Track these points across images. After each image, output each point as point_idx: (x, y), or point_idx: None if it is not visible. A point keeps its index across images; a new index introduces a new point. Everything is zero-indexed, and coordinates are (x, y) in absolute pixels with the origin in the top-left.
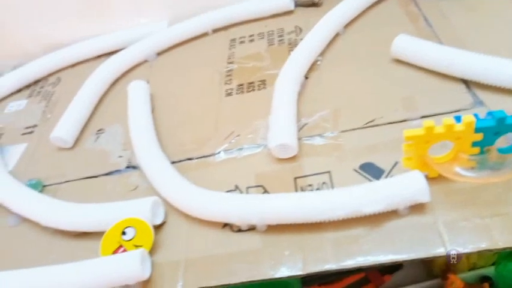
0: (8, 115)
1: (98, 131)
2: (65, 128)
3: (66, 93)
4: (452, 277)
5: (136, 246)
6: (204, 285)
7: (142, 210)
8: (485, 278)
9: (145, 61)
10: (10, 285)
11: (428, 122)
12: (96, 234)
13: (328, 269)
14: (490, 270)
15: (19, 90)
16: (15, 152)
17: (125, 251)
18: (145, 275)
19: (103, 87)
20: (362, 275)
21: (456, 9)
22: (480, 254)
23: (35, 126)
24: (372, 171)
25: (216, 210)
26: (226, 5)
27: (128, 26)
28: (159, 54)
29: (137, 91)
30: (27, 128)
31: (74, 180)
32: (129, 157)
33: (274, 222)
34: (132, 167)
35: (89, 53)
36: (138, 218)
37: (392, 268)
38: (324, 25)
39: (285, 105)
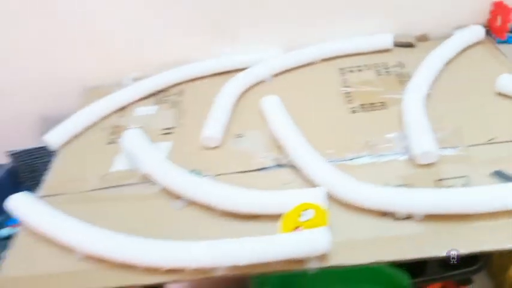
0: (140, 117)
1: (237, 135)
2: (214, 129)
3: (193, 103)
4: None
5: (313, 227)
6: (378, 259)
7: (317, 197)
8: None
9: (263, 81)
10: (207, 254)
11: None
12: (264, 217)
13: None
14: None
15: (144, 98)
16: (163, 148)
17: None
18: (328, 248)
19: (234, 98)
20: (439, 285)
21: None
22: None
23: (172, 128)
24: (505, 177)
25: (380, 200)
26: (334, 39)
27: (246, 51)
28: (274, 76)
29: (272, 104)
30: (165, 129)
31: (226, 173)
32: (275, 157)
33: (431, 212)
34: (279, 165)
35: (208, 70)
36: (315, 203)
37: (466, 281)
38: (432, 60)
39: (421, 119)
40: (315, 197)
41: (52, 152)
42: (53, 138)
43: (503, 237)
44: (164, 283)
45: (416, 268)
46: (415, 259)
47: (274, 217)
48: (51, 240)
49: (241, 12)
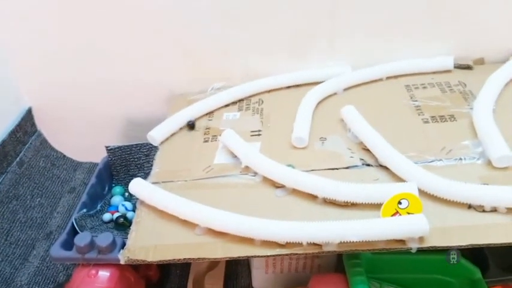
0: (228, 121)
1: (321, 138)
2: (303, 130)
3: (273, 111)
4: None
5: (409, 214)
6: (471, 243)
7: (410, 189)
8: None
9: (335, 93)
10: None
11: None
12: (360, 206)
13: None
14: None
15: (227, 105)
16: (254, 148)
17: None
18: (427, 230)
19: (313, 107)
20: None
21: None
22: None
23: (259, 131)
24: None
25: (468, 194)
26: (396, 59)
27: (317, 67)
28: (344, 90)
29: (353, 112)
30: (252, 131)
31: (319, 169)
32: (361, 157)
33: None
34: (367, 164)
35: (284, 83)
36: (412, 193)
37: None
38: (495, 79)
39: (493, 127)
40: (408, 189)
41: (143, 149)
42: (155, 135)
43: None
44: (279, 255)
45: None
46: (506, 244)
47: (370, 206)
48: (171, 217)
49: (316, 33)
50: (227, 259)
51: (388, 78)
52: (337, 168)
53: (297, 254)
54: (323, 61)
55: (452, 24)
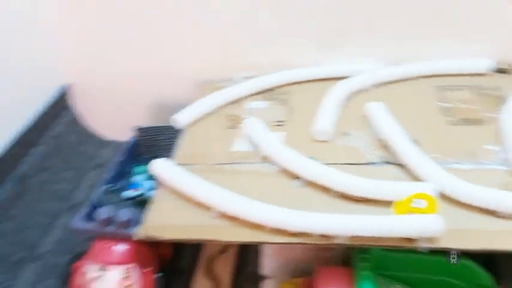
0: (253, 110)
1: (344, 133)
2: (326, 124)
3: (299, 103)
4: None
5: (424, 213)
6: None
7: (427, 189)
8: None
9: (363, 90)
10: (332, 222)
11: None
12: (375, 202)
13: None
14: None
15: (253, 94)
16: (278, 137)
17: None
18: (439, 231)
19: (339, 102)
20: None
21: None
22: None
23: (284, 121)
24: None
25: (487, 199)
26: (430, 59)
27: (345, 62)
28: (375, 86)
29: (379, 109)
30: (277, 121)
31: (337, 164)
32: (382, 155)
33: None
34: (387, 162)
35: (312, 76)
36: (428, 193)
37: None
38: None
39: None
40: (426, 189)
41: (169, 131)
42: (180, 118)
43: None
44: (289, 243)
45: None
46: None
47: (384, 203)
48: (188, 199)
49: (351, 26)
50: (238, 243)
51: (420, 77)
52: (356, 164)
53: (307, 243)
54: (354, 56)
55: (493, 27)
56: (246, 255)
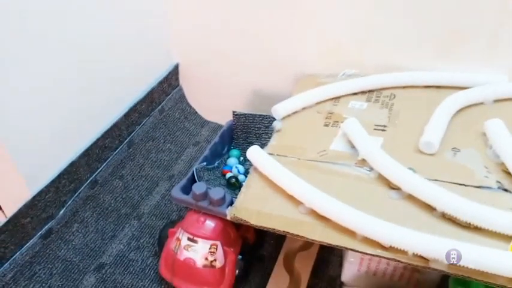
0: (353, 110)
1: (453, 148)
2: (434, 136)
3: (405, 108)
4: None
5: None
6: None
7: None
8: None
9: (482, 103)
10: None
11: None
12: (485, 232)
13: None
14: None
15: (355, 93)
16: (376, 142)
17: None
18: None
19: (453, 113)
20: None
21: None
22: None
23: (384, 126)
24: None
25: None
26: None
27: (465, 70)
28: (495, 101)
29: (499, 127)
30: (377, 125)
31: (443, 181)
32: (499, 180)
33: None
34: (504, 189)
35: (422, 81)
36: None
37: None
38: None
39: None
40: None
41: (264, 121)
42: (279, 109)
43: None
44: (380, 257)
45: None
46: None
47: (495, 235)
48: (280, 190)
49: (475, 33)
50: (324, 244)
51: None
52: (465, 185)
53: (399, 261)
54: (474, 65)
55: None
56: (328, 257)
